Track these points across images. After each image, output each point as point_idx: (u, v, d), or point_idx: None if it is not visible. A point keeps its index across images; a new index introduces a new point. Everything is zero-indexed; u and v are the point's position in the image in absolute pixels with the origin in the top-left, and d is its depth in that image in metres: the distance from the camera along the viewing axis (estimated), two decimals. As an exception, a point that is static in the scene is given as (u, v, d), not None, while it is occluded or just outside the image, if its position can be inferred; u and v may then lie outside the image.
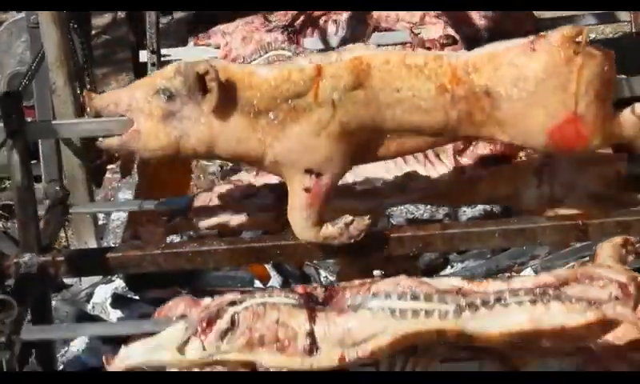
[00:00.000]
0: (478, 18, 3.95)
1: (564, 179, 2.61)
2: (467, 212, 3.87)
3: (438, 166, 2.72)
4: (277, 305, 2.28)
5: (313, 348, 2.26)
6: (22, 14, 3.94)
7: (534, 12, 4.10)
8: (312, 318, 2.26)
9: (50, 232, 2.67)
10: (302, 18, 3.96)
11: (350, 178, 2.60)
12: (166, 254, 2.48)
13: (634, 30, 4.08)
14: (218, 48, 3.95)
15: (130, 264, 2.50)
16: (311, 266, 3.75)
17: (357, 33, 3.95)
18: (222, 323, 2.28)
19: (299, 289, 2.34)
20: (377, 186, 2.66)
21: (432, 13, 3.89)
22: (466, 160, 2.69)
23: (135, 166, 4.15)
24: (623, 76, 2.40)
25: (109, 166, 3.59)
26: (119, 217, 4.01)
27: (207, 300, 2.33)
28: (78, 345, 3.30)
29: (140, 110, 2.33)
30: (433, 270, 3.67)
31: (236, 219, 2.68)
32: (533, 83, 2.28)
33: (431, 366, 2.35)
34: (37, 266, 2.45)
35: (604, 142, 2.36)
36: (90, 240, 3.80)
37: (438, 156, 2.73)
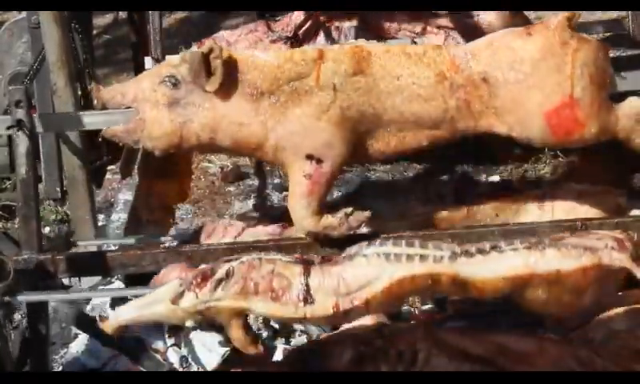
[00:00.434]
0: (482, 29, 3.95)
1: (564, 208, 2.65)
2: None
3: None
4: (273, 259, 2.31)
5: (307, 298, 2.28)
6: (23, 15, 3.94)
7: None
8: (307, 271, 2.30)
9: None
10: (304, 27, 3.98)
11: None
12: (165, 254, 2.49)
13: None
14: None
15: (129, 264, 2.51)
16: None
17: (359, 43, 3.96)
18: (217, 275, 2.29)
19: (296, 255, 2.38)
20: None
21: (434, 23, 3.90)
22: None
23: (135, 167, 4.15)
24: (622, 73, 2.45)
25: (109, 167, 3.58)
26: (119, 217, 4.01)
27: (202, 266, 2.36)
28: (78, 346, 3.31)
29: (146, 100, 2.38)
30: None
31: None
32: (529, 64, 2.34)
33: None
34: (35, 264, 2.46)
35: (601, 130, 2.40)
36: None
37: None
